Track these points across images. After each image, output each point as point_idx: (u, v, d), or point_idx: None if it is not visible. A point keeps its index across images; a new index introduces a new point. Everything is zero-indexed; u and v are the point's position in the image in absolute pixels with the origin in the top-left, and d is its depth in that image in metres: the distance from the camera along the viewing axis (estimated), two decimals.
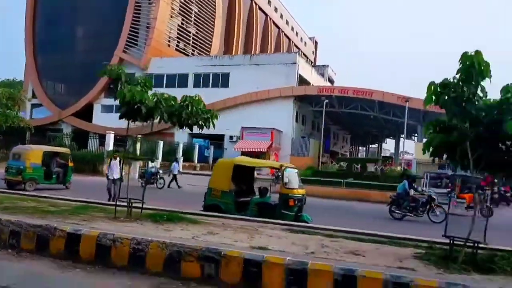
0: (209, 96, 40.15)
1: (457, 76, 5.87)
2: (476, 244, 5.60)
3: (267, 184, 11.85)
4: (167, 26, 45.12)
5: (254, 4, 62.92)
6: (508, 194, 22.85)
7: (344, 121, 48.05)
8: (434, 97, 5.92)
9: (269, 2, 67.60)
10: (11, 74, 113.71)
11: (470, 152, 5.78)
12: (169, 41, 46.16)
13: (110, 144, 26.58)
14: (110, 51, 43.89)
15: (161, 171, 21.33)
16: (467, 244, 5.59)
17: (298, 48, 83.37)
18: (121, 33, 43.98)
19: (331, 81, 62.65)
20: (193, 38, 49.68)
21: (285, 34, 76.18)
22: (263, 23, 67.38)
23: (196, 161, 37.13)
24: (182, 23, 47.38)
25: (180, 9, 46.75)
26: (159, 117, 7.56)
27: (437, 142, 6.14)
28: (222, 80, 41.30)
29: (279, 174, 9.16)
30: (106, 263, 5.49)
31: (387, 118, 39.23)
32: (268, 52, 63.85)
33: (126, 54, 44.20)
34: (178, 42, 47.42)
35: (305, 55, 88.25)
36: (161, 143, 32.50)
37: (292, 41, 79.95)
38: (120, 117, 7.78)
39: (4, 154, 26.67)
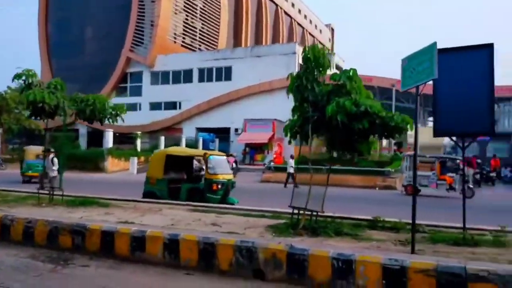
0: (214, 90, 41.80)
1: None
2: (312, 213, 6.44)
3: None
4: (172, 22, 46.35)
5: None
6: (493, 174, 22.91)
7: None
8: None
9: None
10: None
11: (311, 133, 6.59)
12: (175, 37, 47.41)
13: (109, 142, 28.14)
14: (118, 51, 45.67)
15: None
16: (307, 212, 6.44)
17: (313, 37, 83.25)
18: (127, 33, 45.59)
19: (339, 68, 62.54)
20: (199, 33, 50.78)
21: (297, 23, 76.16)
22: (273, 14, 67.70)
23: None
24: (187, 19, 48.50)
25: (184, 5, 47.86)
26: (62, 114, 8.58)
27: (290, 125, 6.97)
28: (225, 74, 42.27)
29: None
30: (8, 239, 6.66)
31: (388, 103, 39.22)
32: (281, 42, 64.22)
33: (133, 53, 45.84)
34: (184, 37, 48.60)
35: (320, 43, 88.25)
36: (162, 138, 33.88)
37: (306, 30, 79.82)
38: (29, 117, 8.89)
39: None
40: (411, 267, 4.35)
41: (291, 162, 20.65)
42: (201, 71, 43.56)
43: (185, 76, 44.15)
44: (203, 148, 39.17)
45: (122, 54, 45.81)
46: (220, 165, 10.42)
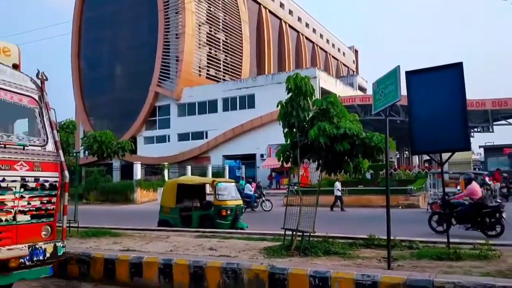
0: (238, 118, 42.64)
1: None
2: (303, 233, 6.66)
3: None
4: (196, 56, 48.02)
5: (283, 23, 64.78)
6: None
7: (379, 128, 47.65)
8: None
9: (299, 19, 69.16)
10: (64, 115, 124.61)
11: (300, 156, 6.89)
12: (199, 70, 48.99)
13: (138, 174, 29.07)
14: (146, 86, 47.57)
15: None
16: (299, 233, 6.67)
17: (337, 60, 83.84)
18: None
19: (362, 89, 62.41)
20: (223, 64, 52.27)
21: (320, 47, 77.02)
22: (295, 40, 68.87)
23: None
24: (210, 52, 50.14)
25: (207, 39, 49.61)
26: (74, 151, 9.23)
27: (282, 150, 7.30)
28: (248, 102, 43.12)
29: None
30: None
31: (393, 119, 38.84)
32: (304, 67, 64.98)
33: (160, 88, 47.58)
34: (208, 69, 50.13)
35: (344, 65, 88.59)
36: (189, 167, 34.69)
37: (329, 53, 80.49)
38: None
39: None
40: (382, 282, 4.53)
41: (338, 185, 20.70)
42: (225, 100, 44.62)
43: (210, 106, 45.31)
44: (230, 175, 39.81)
45: (150, 89, 47.63)
46: (229, 192, 10.79)
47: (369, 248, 6.75)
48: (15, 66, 5.19)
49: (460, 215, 10.39)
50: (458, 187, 19.97)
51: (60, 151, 5.18)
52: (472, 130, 41.12)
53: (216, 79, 50.48)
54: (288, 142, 7.34)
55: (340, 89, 46.54)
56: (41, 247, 4.75)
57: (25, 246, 4.57)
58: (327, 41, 79.55)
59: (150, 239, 8.29)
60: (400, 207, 20.54)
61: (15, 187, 4.60)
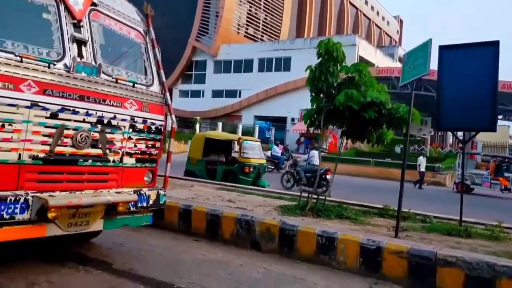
0: (272, 80, 42.43)
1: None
2: (318, 196, 6.87)
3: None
4: (236, 13, 47.46)
5: None
6: None
7: (417, 103, 46.45)
8: None
9: None
10: None
11: (324, 122, 6.99)
12: (238, 28, 48.54)
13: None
14: (185, 40, 47.69)
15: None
16: (314, 196, 6.89)
17: (380, 28, 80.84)
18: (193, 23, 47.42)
19: (401, 60, 60.32)
20: (262, 23, 51.49)
21: (363, 14, 74.29)
22: (338, 5, 66.67)
23: None
24: (250, 9, 49.38)
25: None
26: None
27: (307, 115, 7.41)
28: (284, 64, 42.68)
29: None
30: None
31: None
32: (345, 33, 63.18)
33: (199, 43, 47.64)
34: (247, 28, 49.57)
35: (388, 34, 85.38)
36: (220, 124, 35.17)
37: (373, 21, 77.58)
38: None
39: None
40: (386, 248, 4.71)
41: (422, 159, 19.72)
42: (261, 61, 44.34)
43: (246, 66, 45.20)
44: (259, 136, 40.24)
45: (188, 43, 47.78)
46: (253, 150, 11.07)
47: (382, 218, 6.91)
48: None
49: (299, 176, 13.37)
50: (488, 170, 19.59)
51: (167, 93, 4.87)
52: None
53: (254, 38, 49.95)
54: (314, 107, 7.43)
55: (379, 59, 45.30)
56: (145, 193, 4.46)
57: (132, 191, 4.32)
58: (372, 8, 76.50)
59: (175, 186, 8.70)
60: (425, 184, 20.38)
61: (124, 127, 4.31)
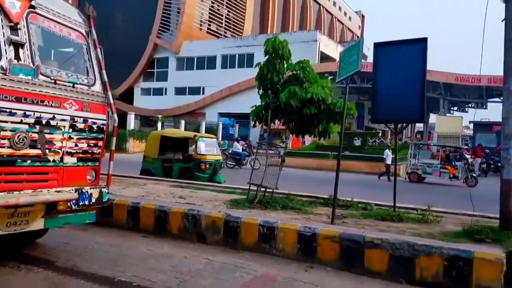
0: (236, 76, 42.57)
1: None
2: (266, 189, 7.15)
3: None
4: (198, 9, 47.22)
5: None
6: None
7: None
8: None
9: None
10: None
11: (271, 118, 7.26)
12: (200, 24, 48.32)
13: (131, 124, 29.51)
14: (146, 37, 47.06)
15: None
16: (262, 189, 7.15)
17: (342, 24, 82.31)
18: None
19: (364, 56, 61.78)
20: (225, 20, 51.46)
21: (326, 9, 75.42)
22: (301, 0, 67.41)
23: (220, 138, 39.49)
24: (213, 6, 49.23)
25: None
26: None
27: (256, 111, 7.66)
28: (247, 61, 42.85)
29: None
30: None
31: None
32: (308, 29, 63.98)
33: (160, 39, 47.13)
34: (210, 24, 49.43)
35: (350, 30, 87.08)
36: (182, 122, 35.05)
37: (335, 17, 78.87)
38: None
39: None
40: (321, 234, 5.02)
41: (389, 153, 19.99)
42: (224, 57, 44.40)
43: (209, 62, 45.14)
44: (223, 133, 40.37)
45: (149, 40, 47.18)
46: (210, 147, 11.24)
47: (326, 207, 7.23)
48: None
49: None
50: (438, 160, 20.56)
51: (109, 93, 4.91)
52: (466, 106, 41.36)
53: (217, 34, 49.85)
54: (263, 103, 7.69)
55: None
56: (87, 192, 4.55)
57: (72, 190, 4.41)
58: (334, 3, 77.75)
59: (128, 185, 8.78)
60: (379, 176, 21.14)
61: (64, 127, 4.37)
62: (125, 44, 48.89)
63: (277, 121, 7.85)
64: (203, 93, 45.37)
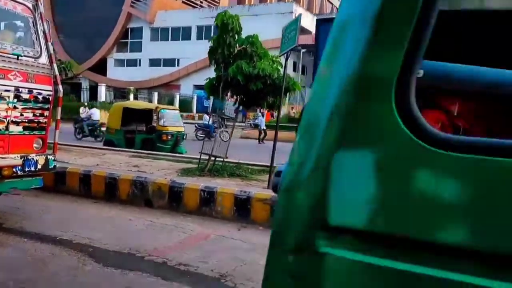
0: None
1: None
2: (215, 158, 7.54)
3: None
4: None
5: None
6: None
7: None
8: None
9: None
10: None
11: (222, 90, 7.58)
12: None
13: (102, 95, 29.25)
14: (119, 6, 45.89)
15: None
16: (213, 157, 7.54)
17: None
18: None
19: None
20: None
21: None
22: None
23: (194, 111, 39.53)
24: None
25: None
26: None
27: (208, 84, 7.95)
28: None
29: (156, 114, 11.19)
30: None
31: None
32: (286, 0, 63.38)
33: (134, 9, 46.04)
34: None
35: (329, 1, 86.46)
36: (155, 94, 34.88)
37: None
38: None
39: None
40: (254, 197, 5.47)
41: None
42: (199, 28, 43.77)
43: (184, 33, 44.50)
44: (198, 106, 40.41)
45: (123, 9, 46.02)
46: (171, 118, 11.49)
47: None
48: None
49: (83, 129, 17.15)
50: None
51: (54, 65, 5.12)
52: None
53: (192, 4, 48.90)
54: (215, 76, 7.98)
55: None
56: (33, 158, 4.81)
57: (18, 156, 4.67)
58: None
59: (86, 154, 9.04)
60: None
61: (9, 97, 4.59)
62: (98, 14, 47.62)
63: None
64: (178, 65, 44.92)
